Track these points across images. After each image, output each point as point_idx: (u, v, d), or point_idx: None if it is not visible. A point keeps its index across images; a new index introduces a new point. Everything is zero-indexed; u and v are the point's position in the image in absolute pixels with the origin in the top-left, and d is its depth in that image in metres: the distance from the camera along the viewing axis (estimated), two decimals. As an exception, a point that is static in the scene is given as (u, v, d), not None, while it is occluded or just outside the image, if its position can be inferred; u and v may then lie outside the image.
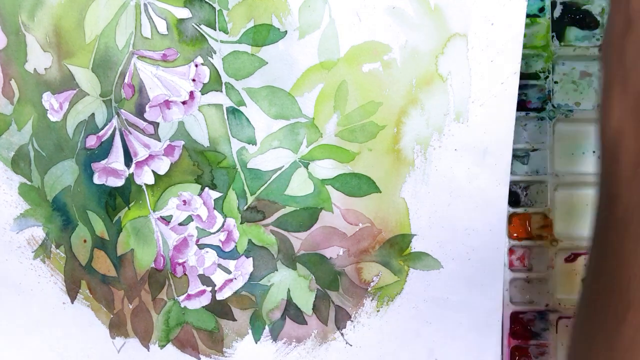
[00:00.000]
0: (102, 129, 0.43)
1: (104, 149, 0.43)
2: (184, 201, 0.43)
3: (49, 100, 0.42)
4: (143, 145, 0.43)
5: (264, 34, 0.41)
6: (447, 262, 0.43)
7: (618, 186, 0.29)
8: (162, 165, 0.43)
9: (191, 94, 0.42)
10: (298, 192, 0.43)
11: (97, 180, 0.43)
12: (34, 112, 0.43)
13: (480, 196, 0.43)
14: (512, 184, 0.46)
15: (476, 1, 0.41)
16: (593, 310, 0.29)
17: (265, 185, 0.43)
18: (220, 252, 0.44)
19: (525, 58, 0.45)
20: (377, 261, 0.44)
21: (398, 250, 0.43)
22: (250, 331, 0.44)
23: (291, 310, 0.44)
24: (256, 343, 0.44)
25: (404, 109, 0.42)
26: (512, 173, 0.45)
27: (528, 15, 0.44)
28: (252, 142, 0.43)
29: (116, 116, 0.43)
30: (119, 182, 0.43)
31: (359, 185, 0.43)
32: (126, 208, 0.43)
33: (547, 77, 0.45)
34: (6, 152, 0.43)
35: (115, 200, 0.43)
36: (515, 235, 0.46)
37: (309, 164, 0.43)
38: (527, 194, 0.46)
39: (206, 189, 0.43)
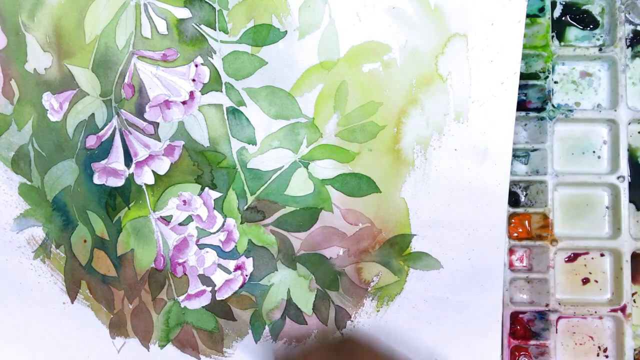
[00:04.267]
0: (102, 129, 0.43)
1: (104, 149, 0.43)
2: (184, 201, 0.43)
3: (49, 100, 0.42)
4: (143, 145, 0.43)
5: (264, 34, 0.41)
6: (447, 262, 0.43)
7: None
8: (162, 165, 0.43)
9: (191, 94, 0.42)
10: (298, 192, 0.43)
11: (97, 180, 0.43)
12: (34, 112, 0.43)
13: (480, 196, 0.43)
14: (512, 184, 0.46)
15: (476, 1, 0.41)
16: None
17: (265, 185, 0.43)
18: (220, 252, 0.44)
19: (525, 58, 0.45)
20: (377, 261, 0.44)
21: (398, 250, 0.43)
22: (250, 331, 0.44)
23: (291, 311, 0.44)
24: (256, 343, 0.44)
25: (404, 109, 0.42)
26: (512, 173, 0.45)
27: (528, 15, 0.44)
28: (252, 142, 0.43)
29: (116, 116, 0.43)
30: (119, 182, 0.43)
31: (359, 185, 0.43)
32: (126, 208, 0.43)
33: (547, 77, 0.45)
34: (6, 152, 0.43)
35: (115, 200, 0.43)
36: (515, 235, 0.46)
37: (309, 164, 0.43)
38: (527, 194, 0.46)
39: (206, 189, 0.43)
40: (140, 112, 0.42)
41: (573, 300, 0.46)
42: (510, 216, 0.45)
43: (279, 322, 0.44)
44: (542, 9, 0.45)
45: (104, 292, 0.44)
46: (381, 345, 0.39)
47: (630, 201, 0.45)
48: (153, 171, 0.43)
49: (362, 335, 0.41)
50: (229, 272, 0.44)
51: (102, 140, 0.43)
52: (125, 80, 0.42)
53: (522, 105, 0.45)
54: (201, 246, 0.44)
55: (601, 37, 0.46)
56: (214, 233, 0.44)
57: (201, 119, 0.42)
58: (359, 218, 0.43)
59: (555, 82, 0.46)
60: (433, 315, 0.44)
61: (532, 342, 0.45)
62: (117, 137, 0.43)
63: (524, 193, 0.46)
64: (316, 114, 0.42)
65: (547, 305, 0.45)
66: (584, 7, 0.46)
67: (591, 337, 0.46)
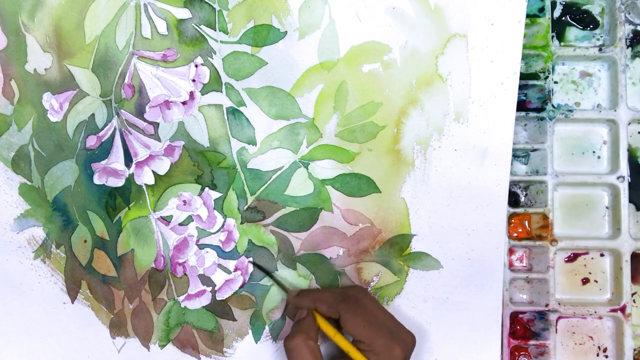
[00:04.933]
0: (102, 129, 0.43)
1: (104, 149, 0.43)
2: (184, 201, 0.43)
3: (49, 100, 0.42)
4: (143, 145, 0.43)
5: (264, 35, 0.41)
6: (447, 262, 0.43)
7: None
8: (162, 166, 0.43)
9: (191, 94, 0.42)
10: (298, 192, 0.43)
11: (97, 180, 0.43)
12: (34, 112, 0.43)
13: (480, 196, 0.43)
14: (512, 184, 0.46)
15: (476, 1, 0.41)
16: None
17: (265, 185, 0.43)
18: (220, 252, 0.44)
19: (525, 58, 0.45)
20: (377, 261, 0.44)
21: (398, 250, 0.43)
22: (250, 331, 0.44)
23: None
24: (256, 343, 0.44)
25: (404, 109, 0.42)
26: (512, 173, 0.45)
27: (528, 15, 0.44)
28: (252, 142, 0.43)
29: (116, 116, 0.43)
30: (119, 183, 0.43)
31: (359, 185, 0.43)
32: (126, 208, 0.43)
33: (547, 77, 0.45)
34: (6, 152, 0.43)
35: (116, 200, 0.43)
36: (515, 235, 0.46)
37: (309, 164, 0.43)
38: (527, 194, 0.46)
39: (206, 189, 0.43)
40: (140, 113, 0.42)
41: (573, 300, 0.46)
42: (510, 216, 0.45)
43: (279, 322, 0.44)
44: (542, 9, 0.45)
45: (104, 292, 0.44)
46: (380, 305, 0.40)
47: (630, 201, 0.45)
48: (153, 171, 0.43)
49: (366, 289, 0.42)
50: (229, 272, 0.44)
51: (102, 140, 0.43)
52: (125, 81, 0.42)
53: (522, 105, 0.45)
54: (201, 246, 0.44)
55: (601, 37, 0.46)
56: (214, 233, 0.44)
57: (201, 119, 0.42)
58: (359, 218, 0.43)
59: (555, 82, 0.46)
60: (433, 315, 0.44)
61: (532, 342, 0.45)
62: (117, 138, 0.43)
63: (524, 193, 0.46)
64: (316, 114, 0.42)
65: (546, 305, 0.45)
66: (584, 7, 0.46)
67: (591, 337, 0.46)
